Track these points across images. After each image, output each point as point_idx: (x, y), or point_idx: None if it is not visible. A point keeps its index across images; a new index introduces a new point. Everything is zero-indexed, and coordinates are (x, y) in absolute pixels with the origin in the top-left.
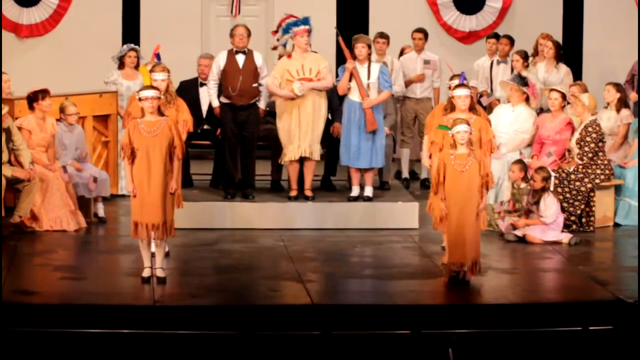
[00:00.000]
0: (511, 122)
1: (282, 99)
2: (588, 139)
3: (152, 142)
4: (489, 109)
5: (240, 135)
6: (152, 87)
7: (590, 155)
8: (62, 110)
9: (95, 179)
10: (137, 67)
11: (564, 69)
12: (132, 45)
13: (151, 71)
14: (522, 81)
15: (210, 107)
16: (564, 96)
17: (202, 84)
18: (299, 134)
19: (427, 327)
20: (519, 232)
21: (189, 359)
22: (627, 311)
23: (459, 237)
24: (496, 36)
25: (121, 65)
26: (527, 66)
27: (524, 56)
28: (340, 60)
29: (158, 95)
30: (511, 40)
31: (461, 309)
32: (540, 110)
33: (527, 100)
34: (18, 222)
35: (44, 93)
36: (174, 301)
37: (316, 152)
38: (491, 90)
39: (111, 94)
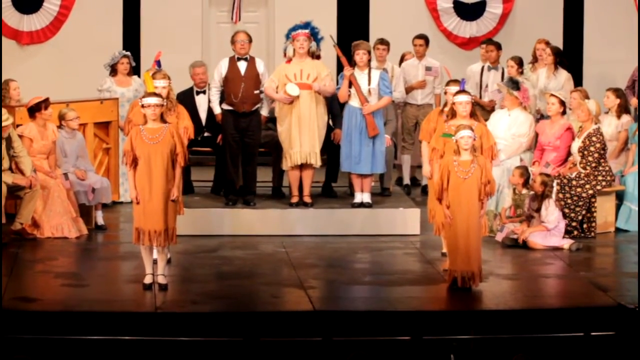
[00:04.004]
0: (508, 127)
1: (282, 104)
2: (592, 148)
3: (154, 149)
4: None
5: (242, 142)
6: (155, 94)
7: (593, 165)
8: (62, 117)
9: (93, 190)
10: (129, 73)
11: (564, 75)
12: (124, 52)
13: (152, 78)
14: (515, 85)
15: (210, 114)
16: (561, 102)
17: (199, 92)
18: (300, 139)
19: (428, 333)
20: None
21: None
22: (628, 317)
23: (463, 244)
24: (489, 42)
25: (113, 72)
26: (522, 72)
27: (519, 62)
28: (341, 66)
29: (161, 103)
30: (497, 46)
31: (463, 315)
32: (540, 117)
33: (522, 103)
34: (19, 229)
35: (46, 102)
36: (175, 308)
37: (316, 158)
38: (480, 96)
39: (112, 101)
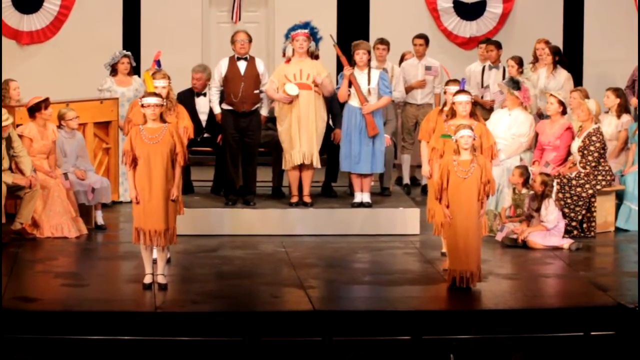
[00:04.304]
0: (509, 127)
1: (281, 104)
2: (592, 148)
3: (153, 148)
4: None
5: (242, 142)
6: (154, 94)
7: (593, 164)
8: (61, 117)
9: (93, 190)
10: (129, 73)
11: (563, 74)
12: (125, 52)
13: (152, 78)
14: (516, 85)
15: (211, 114)
16: (560, 102)
17: (198, 94)
18: (300, 139)
19: (428, 333)
20: (518, 237)
21: None
22: (628, 316)
23: (463, 244)
24: (488, 41)
25: (113, 72)
26: (522, 72)
27: (519, 62)
28: (341, 66)
29: (161, 103)
30: (497, 45)
31: (462, 314)
32: (540, 116)
33: (523, 103)
34: (19, 229)
35: (46, 102)
36: (175, 307)
37: (316, 158)
38: (481, 96)
39: (112, 101)
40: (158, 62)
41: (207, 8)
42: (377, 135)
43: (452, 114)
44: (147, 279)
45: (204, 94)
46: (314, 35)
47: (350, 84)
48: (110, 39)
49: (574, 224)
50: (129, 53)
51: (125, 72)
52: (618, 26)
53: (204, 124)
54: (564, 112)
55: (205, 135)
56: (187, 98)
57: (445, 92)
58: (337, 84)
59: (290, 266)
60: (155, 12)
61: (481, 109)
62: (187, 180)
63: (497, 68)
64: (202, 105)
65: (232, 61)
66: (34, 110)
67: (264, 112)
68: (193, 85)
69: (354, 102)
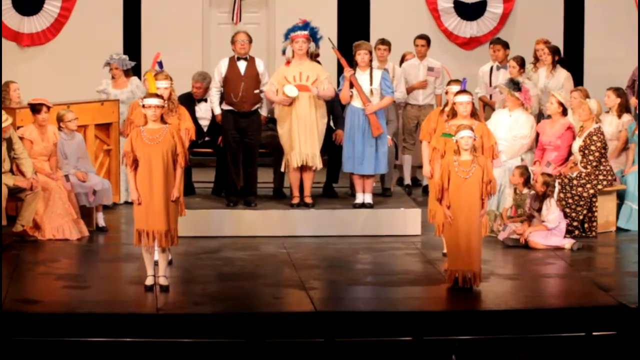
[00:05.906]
0: (510, 128)
1: (281, 105)
2: (593, 147)
3: (154, 149)
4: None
5: (242, 142)
6: (156, 95)
7: (594, 164)
8: (60, 119)
9: (94, 192)
10: (128, 74)
11: (563, 74)
12: (115, 57)
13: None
14: (516, 86)
15: (212, 121)
16: (560, 102)
17: (199, 101)
18: (300, 141)
19: (429, 334)
20: (520, 237)
21: None
22: (630, 316)
23: (465, 244)
24: (496, 41)
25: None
26: (523, 72)
27: (520, 62)
28: (341, 68)
29: (162, 104)
30: (503, 45)
31: (464, 315)
32: (540, 116)
33: (524, 104)
34: (20, 231)
35: (46, 107)
36: (176, 309)
37: (316, 160)
38: (490, 96)
39: (113, 103)
40: (160, 63)
41: (207, 9)
42: (380, 135)
43: (453, 114)
44: (149, 281)
45: (205, 100)
46: (313, 36)
47: (351, 86)
48: (110, 41)
49: (575, 223)
50: (117, 58)
51: (119, 75)
52: (618, 26)
53: (203, 129)
54: (564, 112)
55: (207, 138)
56: (187, 103)
57: (447, 92)
58: (338, 86)
59: (291, 267)
60: (156, 13)
61: (491, 110)
62: (188, 182)
63: (504, 68)
64: (203, 111)
65: (232, 61)
66: (35, 110)
67: (263, 112)
68: (193, 92)
69: (356, 103)
